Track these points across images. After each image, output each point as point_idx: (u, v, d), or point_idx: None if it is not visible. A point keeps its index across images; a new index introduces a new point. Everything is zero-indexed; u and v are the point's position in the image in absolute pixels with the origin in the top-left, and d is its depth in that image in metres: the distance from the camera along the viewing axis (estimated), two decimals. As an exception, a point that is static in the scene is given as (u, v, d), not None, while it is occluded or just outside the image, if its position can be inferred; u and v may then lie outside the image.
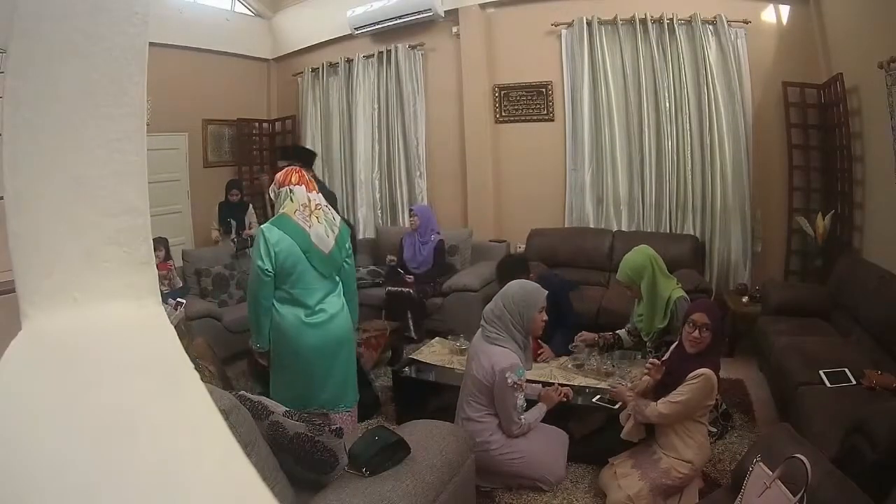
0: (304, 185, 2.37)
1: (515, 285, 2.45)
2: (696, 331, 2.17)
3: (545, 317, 2.42)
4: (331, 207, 2.50)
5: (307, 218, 2.33)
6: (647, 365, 2.34)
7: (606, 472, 2.31)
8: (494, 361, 2.29)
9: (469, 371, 2.42)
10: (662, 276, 2.81)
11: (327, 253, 2.36)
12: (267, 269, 2.25)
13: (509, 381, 2.26)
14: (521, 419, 2.35)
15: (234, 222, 5.01)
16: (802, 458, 1.43)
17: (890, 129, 3.07)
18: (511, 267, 3.08)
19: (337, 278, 2.48)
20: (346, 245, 2.50)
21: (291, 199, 2.33)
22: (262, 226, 2.34)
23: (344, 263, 2.49)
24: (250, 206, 5.30)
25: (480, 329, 2.45)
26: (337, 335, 2.44)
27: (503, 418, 2.36)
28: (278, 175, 2.43)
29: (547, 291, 2.46)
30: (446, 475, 1.79)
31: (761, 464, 1.58)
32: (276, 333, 2.39)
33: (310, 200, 2.36)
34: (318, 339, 2.38)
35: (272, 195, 2.45)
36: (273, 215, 2.40)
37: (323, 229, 2.35)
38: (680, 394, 2.11)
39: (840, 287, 3.33)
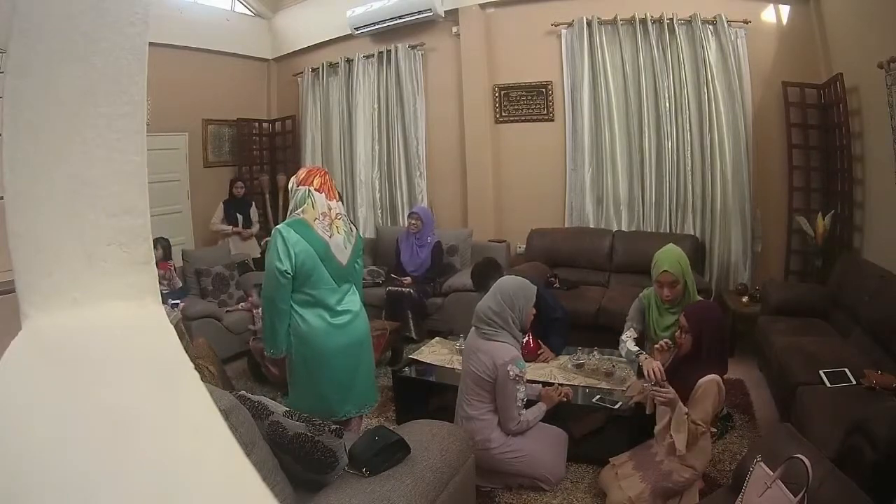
0: (325, 192, 2.29)
1: (511, 281, 2.48)
2: (680, 333, 2.19)
3: (534, 310, 2.47)
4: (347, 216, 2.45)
5: (327, 227, 2.25)
6: (661, 343, 2.30)
7: (607, 472, 2.30)
8: (495, 356, 2.31)
9: (467, 369, 2.43)
10: (691, 281, 2.59)
11: (345, 264, 2.30)
12: (286, 270, 2.16)
13: (511, 373, 2.27)
14: (520, 414, 2.35)
15: (240, 216, 5.07)
16: (803, 458, 1.43)
17: (890, 129, 3.07)
18: (485, 271, 3.11)
19: (351, 280, 2.43)
20: (360, 252, 2.46)
21: (312, 206, 2.24)
22: (278, 226, 2.24)
23: (354, 265, 2.44)
24: (253, 203, 5.35)
25: (474, 329, 2.47)
26: (360, 335, 2.39)
27: (503, 414, 2.36)
28: (300, 171, 2.36)
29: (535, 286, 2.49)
30: (446, 475, 1.79)
31: (762, 464, 1.58)
32: (300, 340, 2.27)
33: (330, 209, 2.28)
34: (344, 340, 2.31)
35: (290, 190, 2.36)
36: (286, 210, 2.34)
37: (342, 239, 2.29)
38: (704, 411, 2.07)
39: (840, 287, 3.33)
